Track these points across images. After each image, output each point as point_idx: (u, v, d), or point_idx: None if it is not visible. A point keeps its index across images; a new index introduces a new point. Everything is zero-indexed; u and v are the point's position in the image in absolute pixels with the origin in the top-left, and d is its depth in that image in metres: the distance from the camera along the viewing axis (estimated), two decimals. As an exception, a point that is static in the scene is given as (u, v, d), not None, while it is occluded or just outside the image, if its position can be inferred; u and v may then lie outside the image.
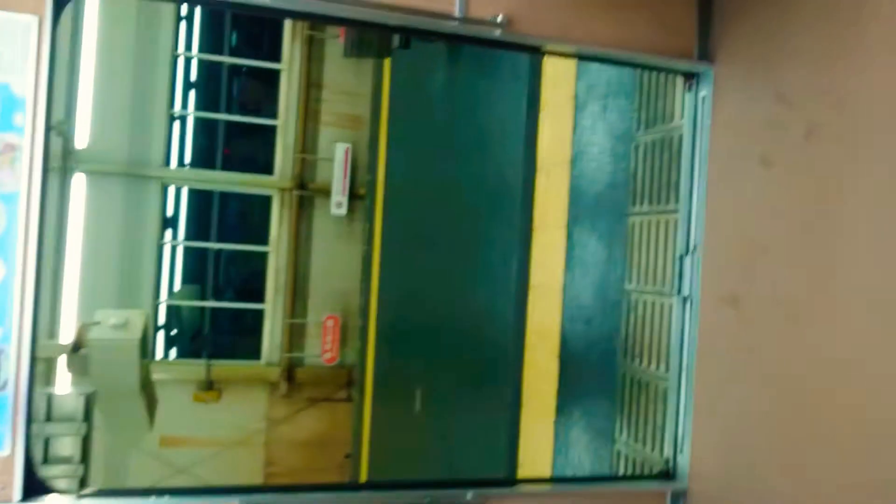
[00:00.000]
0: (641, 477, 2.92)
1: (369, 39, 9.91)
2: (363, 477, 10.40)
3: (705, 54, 2.87)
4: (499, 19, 2.66)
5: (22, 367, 2.23)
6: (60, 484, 2.40)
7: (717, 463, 2.73)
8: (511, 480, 2.77)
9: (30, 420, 2.28)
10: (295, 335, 12.60)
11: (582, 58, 3.72)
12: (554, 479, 2.88)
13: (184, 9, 12.28)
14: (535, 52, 2.92)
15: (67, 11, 2.32)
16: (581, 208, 4.35)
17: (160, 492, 2.49)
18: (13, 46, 2.19)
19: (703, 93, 2.88)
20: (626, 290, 3.78)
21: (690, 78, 2.93)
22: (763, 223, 2.53)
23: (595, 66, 4.24)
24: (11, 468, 2.24)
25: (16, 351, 2.23)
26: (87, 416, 6.89)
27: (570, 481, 2.82)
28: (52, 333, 9.46)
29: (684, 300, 2.90)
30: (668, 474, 2.92)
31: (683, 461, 2.88)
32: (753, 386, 2.53)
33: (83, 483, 6.33)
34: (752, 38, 2.66)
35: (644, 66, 3.11)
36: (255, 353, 12.64)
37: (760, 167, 2.56)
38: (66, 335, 8.80)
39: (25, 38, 2.20)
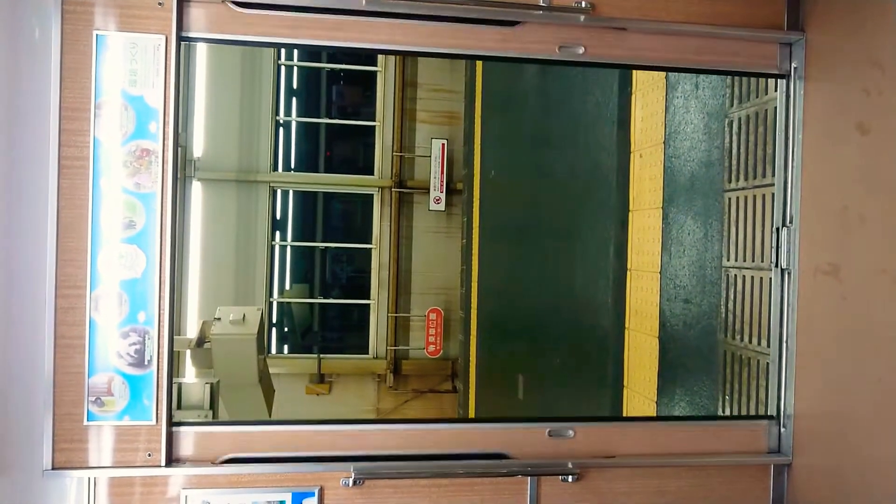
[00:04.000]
0: (744, 452, 2.92)
1: (460, 35, 10.05)
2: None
3: (796, 24, 2.84)
4: (583, 4, 2.74)
5: (163, 348, 2.52)
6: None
7: (822, 437, 2.70)
8: (610, 454, 2.85)
9: (170, 395, 2.57)
10: (400, 329, 12.98)
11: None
12: (653, 453, 2.93)
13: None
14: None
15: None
16: (676, 188, 4.34)
17: (280, 460, 2.72)
18: (145, 63, 2.48)
19: (795, 63, 2.86)
20: (724, 266, 3.76)
21: (782, 48, 2.90)
22: (860, 191, 2.50)
23: (685, 44, 4.21)
24: (158, 437, 2.53)
25: (157, 333, 2.52)
26: (213, 404, 7.41)
27: (670, 455, 2.87)
28: (179, 329, 10.19)
29: (783, 273, 2.89)
30: (770, 448, 2.92)
31: (787, 435, 2.87)
32: (858, 357, 2.50)
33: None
34: (842, 3, 2.61)
35: (733, 40, 3.09)
36: (362, 347, 13.12)
37: (857, 134, 2.52)
38: (191, 331, 9.46)
39: (155, 56, 2.48)
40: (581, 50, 2.78)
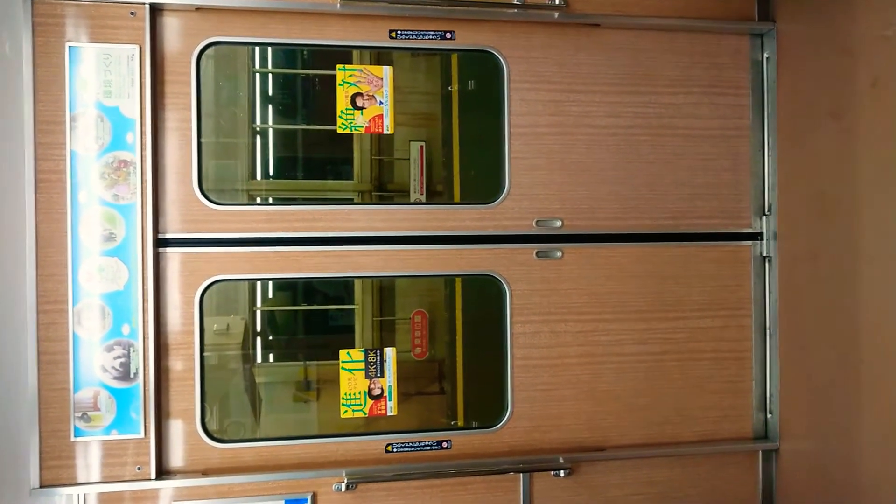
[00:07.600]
0: (732, 439, 2.95)
1: (435, 37, 10.06)
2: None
3: (766, 14, 2.88)
4: (557, 1, 2.75)
5: (149, 360, 2.50)
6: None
7: (808, 421, 2.74)
8: (600, 447, 2.87)
9: (158, 408, 2.55)
10: (385, 332, 12.95)
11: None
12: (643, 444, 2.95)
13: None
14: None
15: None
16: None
17: (272, 468, 2.70)
18: (119, 73, 2.45)
19: (766, 53, 2.89)
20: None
21: (753, 39, 2.94)
22: (835, 176, 2.53)
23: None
24: (147, 450, 2.51)
25: (142, 346, 2.50)
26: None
27: (659, 445, 2.89)
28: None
29: (763, 260, 2.92)
30: (758, 435, 2.95)
31: (773, 421, 2.90)
32: (839, 341, 2.53)
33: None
34: (811, -8, 2.66)
35: (705, 33, 3.12)
36: (348, 351, 13.04)
37: (830, 121, 2.56)
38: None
39: (129, 66, 2.46)
40: (558, 223, 2.86)
